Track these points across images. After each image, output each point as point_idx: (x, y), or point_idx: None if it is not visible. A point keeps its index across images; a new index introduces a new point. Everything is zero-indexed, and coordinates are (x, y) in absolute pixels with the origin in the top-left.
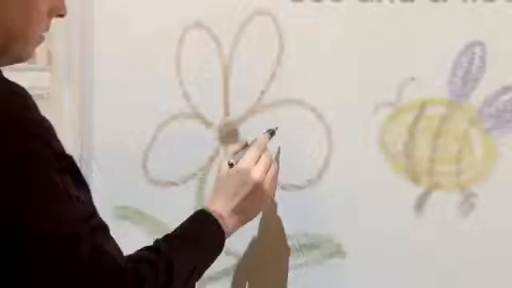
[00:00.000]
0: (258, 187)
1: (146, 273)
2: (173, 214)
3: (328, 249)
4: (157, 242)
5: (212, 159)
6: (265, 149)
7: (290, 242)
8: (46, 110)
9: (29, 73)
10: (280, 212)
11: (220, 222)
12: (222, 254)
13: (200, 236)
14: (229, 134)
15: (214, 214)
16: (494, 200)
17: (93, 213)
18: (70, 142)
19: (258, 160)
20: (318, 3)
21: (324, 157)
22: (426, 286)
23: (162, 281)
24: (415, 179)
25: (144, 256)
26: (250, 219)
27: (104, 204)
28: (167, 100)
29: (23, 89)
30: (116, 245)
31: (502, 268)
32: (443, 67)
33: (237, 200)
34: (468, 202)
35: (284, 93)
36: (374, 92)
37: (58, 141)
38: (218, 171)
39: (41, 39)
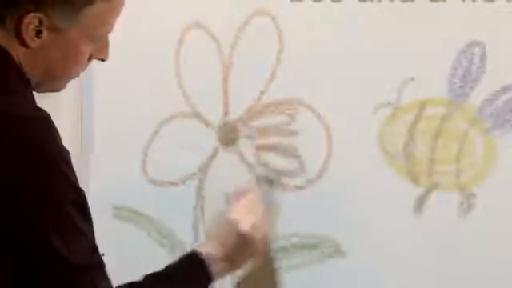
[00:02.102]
0: (246, 239)
1: None
2: (172, 214)
3: (327, 248)
4: (145, 278)
5: (211, 159)
6: (255, 199)
7: (289, 242)
8: (45, 110)
9: None
10: (280, 212)
11: (208, 262)
12: None
13: (188, 273)
14: (228, 134)
15: (204, 255)
16: (494, 200)
17: (94, 248)
18: (69, 142)
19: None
20: (318, 3)
21: (324, 157)
22: (426, 285)
23: None
24: (415, 179)
25: None
26: (239, 268)
27: (103, 204)
28: (166, 100)
29: (48, 116)
30: (109, 281)
31: (501, 268)
32: (443, 67)
33: (226, 250)
34: (468, 202)
35: (284, 93)
36: (374, 92)
37: (74, 172)
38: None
39: (78, 75)
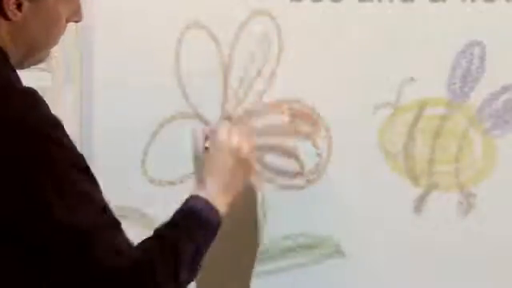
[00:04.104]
0: (235, 158)
1: (155, 260)
2: (172, 214)
3: (327, 249)
4: (158, 230)
5: None
6: (231, 119)
7: (289, 242)
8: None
9: (29, 73)
10: (280, 212)
11: (212, 202)
12: None
13: (198, 218)
14: None
15: (205, 197)
16: (494, 200)
17: (104, 208)
18: None
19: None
20: (318, 3)
21: (323, 157)
22: (425, 285)
23: (171, 265)
24: (414, 179)
25: (150, 245)
26: (238, 190)
27: None
28: (166, 100)
29: (34, 89)
30: (127, 238)
31: (501, 268)
32: (442, 67)
33: (221, 178)
34: (467, 202)
35: (284, 93)
36: (374, 92)
37: (69, 138)
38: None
39: (57, 42)
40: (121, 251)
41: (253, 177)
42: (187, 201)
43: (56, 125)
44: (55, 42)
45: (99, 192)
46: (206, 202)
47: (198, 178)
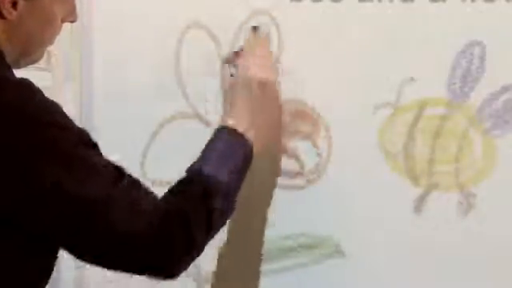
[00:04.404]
0: (261, 82)
1: (186, 207)
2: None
3: (327, 249)
4: (190, 169)
5: None
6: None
7: (289, 242)
8: None
9: (28, 72)
10: (280, 212)
11: (242, 132)
12: None
13: (230, 150)
14: None
15: (235, 127)
16: (494, 200)
17: (118, 175)
18: None
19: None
20: (318, 3)
21: (323, 157)
22: (425, 285)
23: (203, 210)
24: (414, 179)
25: (181, 189)
26: (264, 121)
27: None
28: (166, 100)
29: (28, 79)
30: (150, 196)
31: (501, 268)
32: (442, 67)
33: (248, 105)
34: (467, 202)
35: (284, 93)
36: (374, 92)
37: (70, 120)
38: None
39: (53, 42)
40: (141, 212)
41: (279, 105)
42: (219, 131)
43: (54, 110)
44: (50, 42)
45: (109, 163)
46: (239, 134)
47: (225, 110)
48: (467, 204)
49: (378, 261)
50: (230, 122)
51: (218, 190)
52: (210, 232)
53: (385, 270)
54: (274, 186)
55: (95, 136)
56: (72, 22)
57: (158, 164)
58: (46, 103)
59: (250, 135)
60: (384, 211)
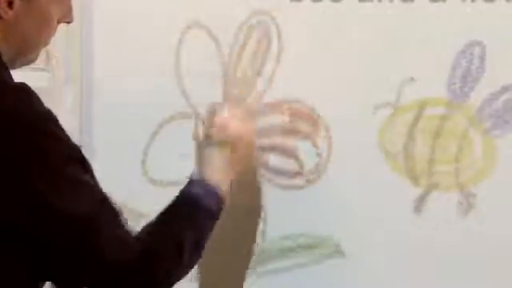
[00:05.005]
0: (236, 137)
1: (160, 248)
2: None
3: (327, 249)
4: (158, 216)
5: None
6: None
7: (289, 242)
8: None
9: (28, 73)
10: (280, 212)
11: (213, 184)
12: None
13: (200, 201)
14: None
15: (204, 180)
16: (494, 200)
17: (103, 199)
18: None
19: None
20: (318, 3)
21: (323, 157)
22: (425, 285)
23: (175, 251)
24: (414, 179)
25: (152, 232)
26: (238, 170)
27: None
28: (166, 99)
29: (26, 84)
30: (128, 229)
31: (501, 268)
32: (442, 67)
33: (221, 161)
34: (467, 202)
35: (284, 93)
36: (374, 92)
37: (63, 130)
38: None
39: (48, 43)
40: (125, 242)
41: (254, 156)
42: (187, 185)
43: (50, 119)
44: (46, 43)
45: (96, 183)
46: (206, 185)
47: (199, 161)
48: (467, 204)
49: (378, 261)
50: (206, 176)
51: (190, 238)
52: (179, 272)
53: (385, 270)
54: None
55: (95, 136)
56: (68, 22)
57: (158, 164)
58: (42, 111)
59: (221, 181)
60: (384, 211)
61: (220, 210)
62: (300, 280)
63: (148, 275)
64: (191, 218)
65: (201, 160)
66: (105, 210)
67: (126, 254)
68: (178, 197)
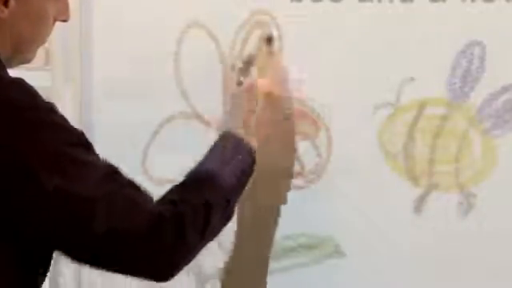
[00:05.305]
0: (267, 95)
1: (183, 210)
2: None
3: (327, 249)
4: (192, 170)
5: None
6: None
7: (289, 242)
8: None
9: (28, 72)
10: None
11: (244, 138)
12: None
13: (234, 155)
14: None
15: (236, 134)
16: (493, 200)
17: (112, 173)
18: None
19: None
20: (318, 3)
21: (323, 157)
22: (425, 285)
23: (201, 215)
24: (414, 179)
25: (180, 191)
26: (278, 130)
27: None
28: (166, 99)
29: (23, 79)
30: (144, 195)
31: (501, 268)
32: (442, 67)
33: (251, 115)
34: (467, 202)
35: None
36: (374, 92)
37: (64, 118)
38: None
39: (45, 41)
40: (137, 210)
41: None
42: (216, 141)
43: (47, 108)
44: (43, 41)
45: (105, 161)
46: (240, 140)
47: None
48: (467, 204)
49: (378, 261)
50: (234, 130)
51: (219, 195)
52: (205, 236)
53: (385, 270)
54: (287, 188)
55: (95, 136)
56: (64, 21)
57: (159, 164)
58: (39, 102)
59: (253, 145)
60: (384, 211)
61: (251, 166)
62: (300, 280)
63: (167, 242)
64: (222, 174)
65: (228, 113)
66: (114, 186)
67: (138, 223)
68: (207, 154)
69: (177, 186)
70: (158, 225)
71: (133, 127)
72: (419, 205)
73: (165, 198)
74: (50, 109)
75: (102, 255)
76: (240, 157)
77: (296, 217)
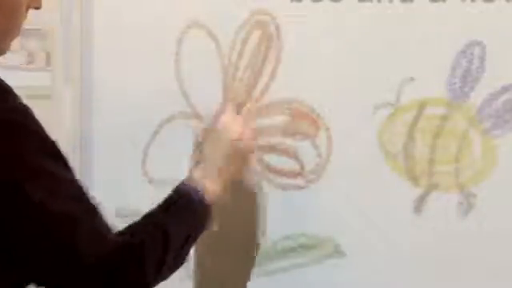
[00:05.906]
0: (233, 144)
1: (144, 243)
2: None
3: (327, 249)
4: (148, 214)
5: None
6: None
7: (289, 242)
8: (45, 109)
9: (28, 73)
10: (279, 212)
11: (202, 191)
12: None
13: (188, 205)
14: None
15: (195, 185)
16: (494, 200)
17: (80, 195)
18: (69, 142)
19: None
20: (318, 3)
21: (323, 157)
22: (425, 285)
23: (159, 249)
24: (414, 179)
25: (139, 228)
26: (231, 177)
27: (104, 204)
28: (166, 99)
29: (2, 80)
30: (106, 223)
31: (501, 268)
32: (442, 67)
33: (214, 163)
34: (467, 202)
35: (284, 93)
36: (374, 92)
37: (39, 125)
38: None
39: (20, 32)
40: (103, 236)
41: (250, 166)
42: (178, 187)
43: (24, 114)
44: (17, 33)
45: (74, 179)
46: (195, 188)
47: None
48: (467, 204)
49: (378, 261)
50: (198, 176)
51: (173, 247)
52: (162, 271)
53: (385, 270)
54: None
55: (95, 136)
56: (37, 8)
57: (159, 164)
58: (19, 105)
59: (210, 188)
60: (384, 211)
61: (205, 211)
62: (300, 280)
63: (128, 270)
64: (180, 218)
65: (197, 161)
66: (83, 207)
67: (103, 247)
68: (167, 197)
69: (134, 223)
70: (121, 254)
71: (133, 127)
72: (419, 205)
73: (123, 230)
74: (28, 115)
75: (66, 277)
76: (193, 217)
77: (296, 217)
